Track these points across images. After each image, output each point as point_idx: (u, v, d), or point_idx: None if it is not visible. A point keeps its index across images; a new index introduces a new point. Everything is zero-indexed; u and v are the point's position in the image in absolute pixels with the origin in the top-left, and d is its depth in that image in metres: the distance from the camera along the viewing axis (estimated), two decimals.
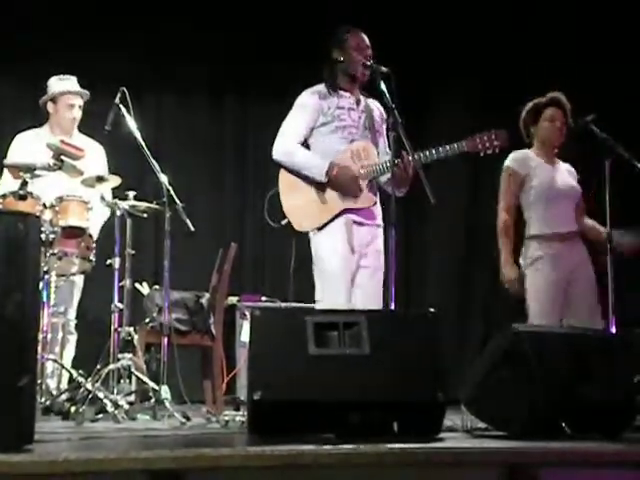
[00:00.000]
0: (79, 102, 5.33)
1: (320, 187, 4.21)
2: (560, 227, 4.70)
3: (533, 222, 4.75)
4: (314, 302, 4.24)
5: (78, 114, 5.34)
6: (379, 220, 4.31)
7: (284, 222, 4.28)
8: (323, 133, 4.27)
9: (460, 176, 7.21)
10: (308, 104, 4.28)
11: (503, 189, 4.79)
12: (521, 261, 4.75)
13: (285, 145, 4.24)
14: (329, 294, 4.14)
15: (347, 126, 4.26)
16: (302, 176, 4.22)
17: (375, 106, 4.39)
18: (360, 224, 4.22)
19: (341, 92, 4.30)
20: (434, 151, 4.07)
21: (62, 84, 5.32)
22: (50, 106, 5.34)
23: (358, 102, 4.34)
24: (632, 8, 6.76)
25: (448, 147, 4.07)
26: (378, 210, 4.32)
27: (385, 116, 4.32)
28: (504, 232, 4.72)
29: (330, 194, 4.20)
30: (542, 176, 4.73)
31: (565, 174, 4.82)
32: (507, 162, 4.78)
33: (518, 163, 4.77)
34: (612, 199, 4.48)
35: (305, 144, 4.31)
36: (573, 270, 4.66)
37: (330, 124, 4.25)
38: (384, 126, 4.34)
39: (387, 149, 4.33)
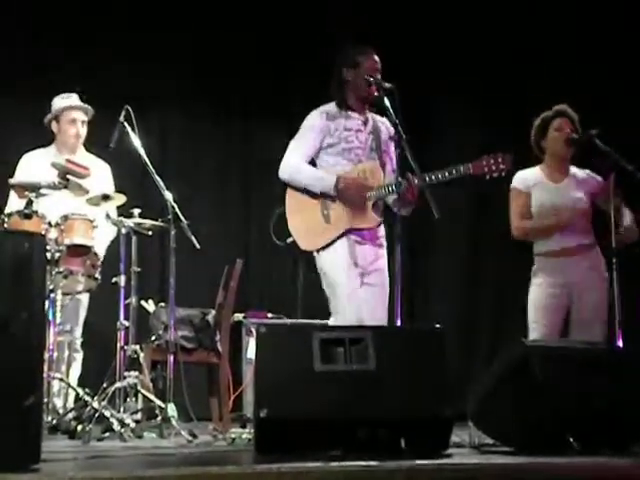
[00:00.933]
0: (81, 117, 5.34)
1: (325, 207, 4.23)
2: (562, 242, 4.70)
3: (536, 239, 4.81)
4: (325, 317, 4.27)
5: (81, 130, 5.34)
6: (382, 240, 4.32)
7: (289, 240, 4.30)
8: (329, 154, 4.30)
9: (465, 190, 7.20)
10: (315, 125, 4.31)
11: (512, 208, 4.84)
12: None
13: (291, 163, 4.27)
14: (339, 310, 4.16)
15: (353, 148, 4.28)
16: (309, 194, 4.24)
17: (383, 125, 4.39)
18: (363, 243, 4.23)
19: (350, 112, 4.32)
20: (439, 174, 4.07)
21: (64, 101, 5.35)
22: (54, 125, 5.36)
23: (366, 122, 4.35)
24: (634, 12, 6.76)
25: (454, 170, 4.07)
26: (382, 231, 4.33)
27: (392, 135, 4.32)
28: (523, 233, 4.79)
29: (335, 214, 4.21)
30: (540, 193, 4.75)
31: (571, 187, 4.79)
32: (512, 184, 4.84)
33: (520, 182, 4.83)
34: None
35: (312, 164, 4.33)
36: (576, 284, 4.65)
37: (337, 146, 4.28)
38: (392, 145, 4.30)
39: (394, 168, 4.34)
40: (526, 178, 4.83)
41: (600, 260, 4.72)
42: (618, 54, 6.99)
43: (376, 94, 4.21)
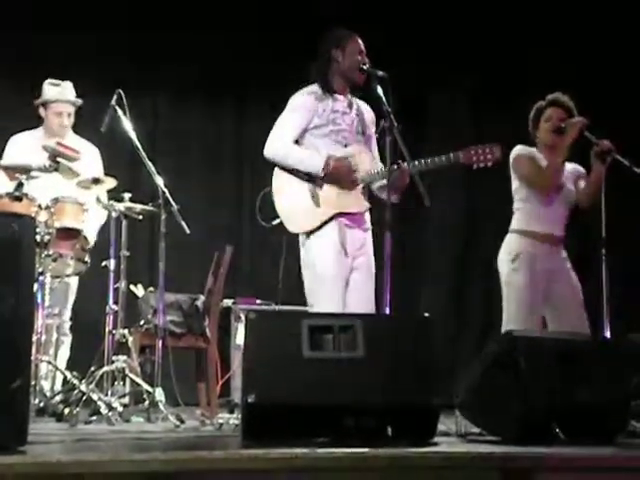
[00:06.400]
0: (68, 110, 5.32)
1: (314, 190, 4.20)
2: (548, 228, 4.70)
3: (522, 216, 4.76)
4: (306, 306, 4.23)
5: (68, 121, 5.34)
6: (368, 224, 4.31)
7: (276, 222, 4.28)
8: (316, 135, 4.26)
9: (456, 179, 7.21)
10: (303, 104, 4.27)
11: (527, 169, 4.73)
12: (502, 255, 4.75)
13: (278, 142, 4.21)
14: (322, 298, 4.11)
15: (341, 130, 4.27)
16: (298, 176, 4.20)
17: (366, 109, 4.40)
18: (351, 227, 4.22)
19: (335, 95, 4.31)
20: (429, 160, 4.07)
21: (53, 90, 5.32)
22: (41, 110, 5.35)
23: (350, 105, 4.35)
24: (632, 7, 6.76)
25: (444, 157, 4.07)
26: (367, 215, 4.32)
27: (375, 119, 4.36)
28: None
29: (324, 197, 4.19)
30: None
31: (566, 180, 4.79)
32: (514, 152, 4.75)
33: (526, 152, 4.77)
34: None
35: (297, 144, 4.28)
36: (553, 272, 4.66)
37: (324, 127, 4.25)
38: (374, 129, 4.35)
39: (377, 153, 4.36)
40: (530, 150, 4.77)
41: (566, 256, 4.75)
42: (617, 47, 7.00)
43: (363, 77, 4.20)
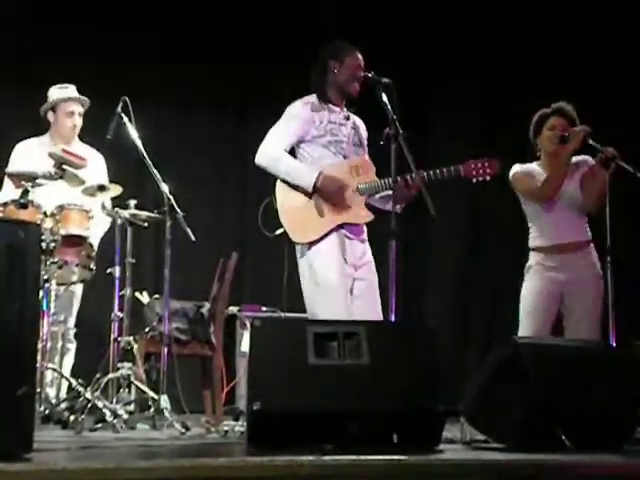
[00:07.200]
0: (79, 109, 5.35)
1: (318, 199, 4.19)
2: (559, 238, 4.71)
3: (532, 234, 4.82)
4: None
5: (78, 122, 5.36)
6: (365, 235, 4.33)
7: (279, 232, 4.28)
8: (315, 147, 4.26)
9: (461, 188, 7.20)
10: (299, 114, 4.27)
11: (524, 185, 4.78)
12: None
13: (271, 150, 4.22)
14: (325, 309, 4.08)
15: (339, 141, 4.28)
16: (290, 184, 4.21)
17: (360, 123, 4.43)
18: (351, 239, 4.22)
19: (331, 106, 4.32)
20: (432, 172, 4.10)
21: (61, 92, 5.36)
22: (50, 115, 5.37)
23: (347, 118, 4.37)
24: (631, 12, 6.76)
25: (445, 170, 4.11)
26: (365, 226, 4.33)
27: (367, 134, 4.40)
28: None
29: (328, 207, 4.19)
30: None
31: (570, 182, 4.78)
32: (512, 171, 4.81)
33: (522, 169, 4.81)
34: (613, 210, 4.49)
35: (292, 155, 4.29)
36: (569, 282, 4.65)
37: (322, 137, 4.25)
38: (366, 143, 4.40)
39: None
40: (527, 168, 4.81)
41: (594, 258, 4.73)
42: (618, 53, 7.00)
43: (358, 91, 4.24)
